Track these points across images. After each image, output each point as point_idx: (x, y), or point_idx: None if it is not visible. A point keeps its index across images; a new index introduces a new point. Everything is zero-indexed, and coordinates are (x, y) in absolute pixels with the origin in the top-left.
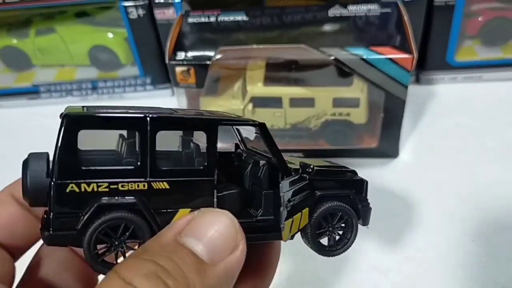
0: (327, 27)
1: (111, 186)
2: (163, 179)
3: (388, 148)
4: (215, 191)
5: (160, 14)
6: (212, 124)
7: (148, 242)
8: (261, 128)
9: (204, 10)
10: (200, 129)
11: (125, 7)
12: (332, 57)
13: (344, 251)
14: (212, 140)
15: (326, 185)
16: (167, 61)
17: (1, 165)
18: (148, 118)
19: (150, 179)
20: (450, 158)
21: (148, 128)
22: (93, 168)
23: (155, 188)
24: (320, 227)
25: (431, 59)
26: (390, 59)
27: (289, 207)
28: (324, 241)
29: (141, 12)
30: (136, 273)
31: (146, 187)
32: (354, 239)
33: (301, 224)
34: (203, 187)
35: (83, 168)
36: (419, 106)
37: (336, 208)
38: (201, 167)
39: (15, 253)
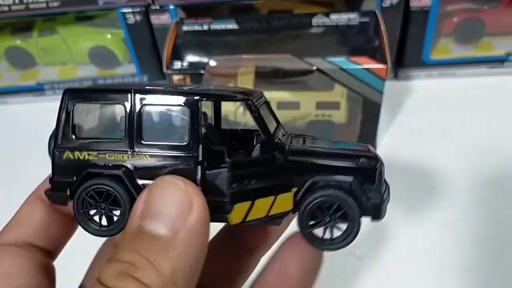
0: (313, 30)
1: (99, 155)
2: (145, 152)
3: (366, 143)
4: (199, 168)
5: (156, 20)
6: (192, 99)
7: (120, 238)
8: (247, 105)
9: (198, 18)
10: (181, 105)
11: (123, 13)
12: (315, 67)
13: (340, 247)
14: (193, 116)
15: (319, 169)
16: (164, 70)
17: (9, 158)
18: (131, 92)
19: (134, 151)
20: (423, 151)
21: (131, 101)
22: (87, 138)
23: (137, 160)
24: (316, 217)
25: (408, 57)
26: (367, 69)
27: (235, 188)
28: (319, 232)
29: (138, 18)
30: (109, 276)
31: (130, 159)
32: (355, 234)
33: (275, 210)
34: (184, 163)
35: (78, 138)
36: (396, 101)
37: (328, 199)
38: (184, 143)
39: (52, 253)
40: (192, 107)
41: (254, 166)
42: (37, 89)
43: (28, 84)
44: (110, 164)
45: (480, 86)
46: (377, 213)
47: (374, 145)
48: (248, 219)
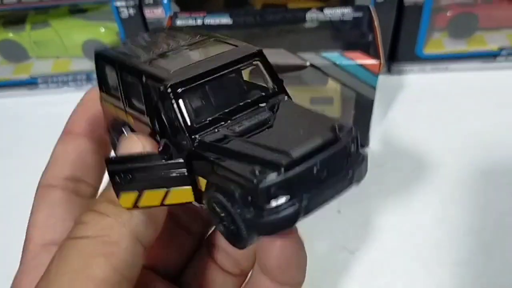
0: (306, 25)
1: None
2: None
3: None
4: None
5: (150, 13)
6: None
7: None
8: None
9: (191, 13)
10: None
11: (117, 7)
12: (308, 63)
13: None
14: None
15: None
16: None
17: (5, 151)
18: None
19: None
20: (416, 146)
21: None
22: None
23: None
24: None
25: (402, 52)
26: (360, 64)
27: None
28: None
29: (132, 11)
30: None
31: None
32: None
33: (170, 201)
34: None
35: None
36: (389, 95)
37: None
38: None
39: (93, 184)
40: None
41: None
42: (30, 83)
43: (21, 78)
44: None
45: (473, 80)
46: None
47: (367, 140)
48: (141, 205)
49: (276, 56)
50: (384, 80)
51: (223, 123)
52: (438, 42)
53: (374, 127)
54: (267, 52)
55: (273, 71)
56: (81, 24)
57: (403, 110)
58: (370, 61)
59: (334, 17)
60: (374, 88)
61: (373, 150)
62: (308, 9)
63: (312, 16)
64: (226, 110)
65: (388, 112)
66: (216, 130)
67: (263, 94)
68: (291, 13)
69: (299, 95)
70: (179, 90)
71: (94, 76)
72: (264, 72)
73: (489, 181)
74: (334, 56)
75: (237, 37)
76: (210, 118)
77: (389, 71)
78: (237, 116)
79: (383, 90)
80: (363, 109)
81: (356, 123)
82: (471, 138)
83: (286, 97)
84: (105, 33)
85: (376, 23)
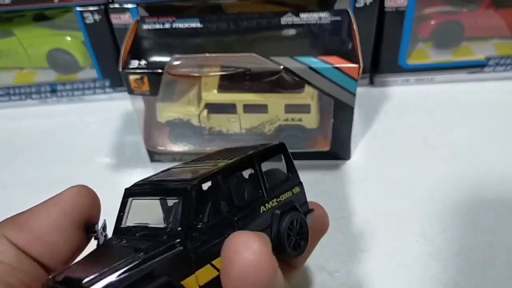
0: (283, 32)
1: None
2: None
3: (340, 150)
4: None
5: (116, 19)
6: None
7: None
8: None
9: (159, 17)
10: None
11: (81, 12)
12: (282, 67)
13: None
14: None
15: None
16: (120, 69)
17: None
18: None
19: None
20: (400, 159)
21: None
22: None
23: None
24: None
25: (384, 63)
26: (337, 68)
27: None
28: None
29: (97, 17)
30: None
31: None
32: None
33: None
34: None
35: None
36: (372, 108)
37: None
38: None
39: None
40: None
41: None
42: None
43: None
44: None
45: (459, 91)
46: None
47: (348, 153)
48: None
49: (248, 60)
50: (367, 92)
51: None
52: (423, 53)
53: (357, 140)
54: (238, 56)
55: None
56: (45, 33)
57: (386, 122)
58: (348, 65)
59: (311, 21)
60: (353, 94)
61: (354, 164)
62: (284, 13)
63: (288, 20)
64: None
65: (371, 125)
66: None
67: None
68: (266, 19)
69: (273, 102)
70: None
71: (59, 87)
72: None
73: (477, 196)
74: (310, 60)
75: (209, 44)
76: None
77: (371, 82)
78: None
79: (366, 102)
80: (342, 117)
81: (335, 132)
82: (457, 151)
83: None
84: (71, 42)
85: (354, 26)
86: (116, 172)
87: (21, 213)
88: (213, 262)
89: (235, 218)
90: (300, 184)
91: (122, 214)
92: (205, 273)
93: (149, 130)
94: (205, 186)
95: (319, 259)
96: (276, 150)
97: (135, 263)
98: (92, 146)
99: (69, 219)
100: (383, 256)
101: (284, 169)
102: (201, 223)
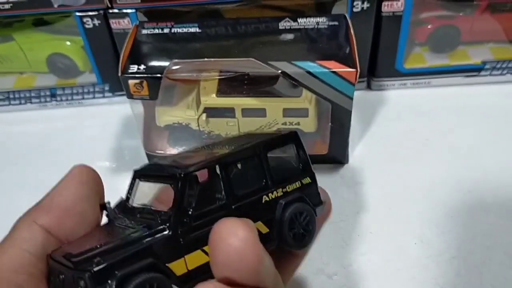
0: (281, 37)
1: None
2: None
3: (337, 154)
4: None
5: (115, 24)
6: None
7: None
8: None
9: (158, 22)
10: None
11: (80, 17)
12: (280, 71)
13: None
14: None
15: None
16: (119, 74)
17: None
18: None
19: None
20: (398, 162)
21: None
22: None
23: None
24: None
25: (381, 67)
26: (335, 72)
27: None
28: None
29: (96, 22)
30: None
31: None
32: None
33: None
34: None
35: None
36: (370, 112)
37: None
38: None
39: None
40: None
41: None
42: None
43: None
44: None
45: (456, 95)
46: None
47: (345, 156)
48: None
49: (247, 65)
50: (364, 96)
51: None
52: (419, 57)
53: (354, 144)
54: (237, 61)
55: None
56: (45, 38)
57: (384, 126)
58: (346, 69)
59: (309, 26)
60: (351, 98)
61: (352, 167)
62: (282, 18)
63: (286, 25)
64: None
65: (368, 128)
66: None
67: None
68: (264, 23)
69: (271, 106)
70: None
71: (59, 92)
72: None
73: (475, 199)
74: (308, 64)
75: (208, 49)
76: None
77: (369, 86)
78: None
79: (363, 106)
80: (340, 121)
81: (333, 136)
82: (455, 154)
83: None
84: (71, 46)
85: (351, 31)
86: (116, 175)
87: (43, 198)
88: (205, 248)
89: (233, 206)
90: (311, 175)
91: (129, 194)
92: (195, 258)
93: (148, 134)
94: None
95: (317, 262)
96: (286, 139)
97: (124, 242)
98: (92, 150)
99: (90, 188)
100: (382, 259)
101: (297, 159)
102: (191, 210)
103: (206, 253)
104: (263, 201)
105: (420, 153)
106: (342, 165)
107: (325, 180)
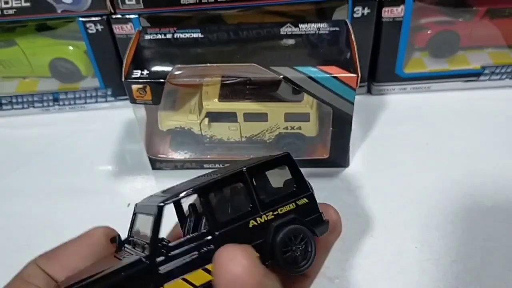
0: (282, 42)
1: None
2: None
3: (338, 158)
4: None
5: (118, 29)
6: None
7: None
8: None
9: (161, 28)
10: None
11: (84, 22)
12: (281, 76)
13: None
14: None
15: None
16: (123, 79)
17: None
18: None
19: None
20: (398, 166)
21: None
22: None
23: None
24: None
25: (381, 71)
26: (336, 77)
27: None
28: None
29: (99, 27)
30: None
31: None
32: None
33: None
34: None
35: None
36: (370, 116)
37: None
38: None
39: None
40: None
41: None
42: None
43: None
44: None
45: (456, 100)
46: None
47: (346, 161)
48: None
49: (248, 70)
50: (364, 100)
51: None
52: (419, 62)
53: (355, 148)
54: (238, 66)
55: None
56: (48, 43)
57: (384, 130)
58: (346, 74)
59: (310, 32)
60: (351, 103)
61: (353, 171)
62: (283, 23)
63: (287, 30)
64: None
65: (368, 133)
66: None
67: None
68: (265, 29)
69: (273, 111)
70: None
71: (61, 96)
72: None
73: (473, 202)
74: (309, 69)
75: (210, 54)
76: None
77: (369, 91)
78: None
79: (363, 110)
80: (341, 125)
81: (334, 140)
82: (454, 158)
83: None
84: (73, 51)
85: (352, 36)
86: (118, 179)
87: (52, 249)
88: (186, 276)
89: (216, 233)
90: (309, 195)
91: (131, 227)
92: (176, 287)
93: (151, 138)
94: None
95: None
96: (278, 162)
97: (107, 273)
98: (94, 154)
99: (95, 255)
100: (382, 262)
101: (292, 180)
102: (166, 240)
103: (188, 282)
104: (251, 226)
105: (420, 157)
106: (343, 169)
107: (326, 184)
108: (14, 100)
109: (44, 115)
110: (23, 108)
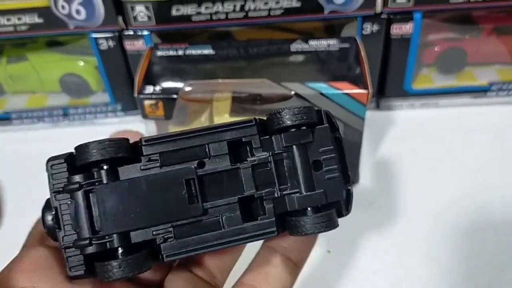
0: (291, 58)
1: None
2: None
3: None
4: None
5: (130, 46)
6: None
7: None
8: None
9: (172, 44)
10: None
11: (95, 38)
12: (293, 92)
13: None
14: None
15: None
16: (135, 95)
17: None
18: None
19: None
20: (407, 181)
21: None
22: None
23: None
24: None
25: (390, 87)
26: (347, 94)
27: None
28: None
29: (111, 43)
30: None
31: None
32: None
33: None
34: None
35: None
36: (378, 131)
37: None
38: None
39: None
40: None
41: None
42: (3, 118)
43: None
44: None
45: (464, 115)
46: None
47: (356, 176)
48: None
49: (260, 86)
50: (373, 116)
51: None
52: (427, 77)
53: (364, 163)
54: (250, 82)
55: None
56: (58, 58)
57: (393, 146)
58: (357, 91)
59: (320, 48)
60: (362, 119)
61: (363, 187)
62: (293, 40)
63: (297, 47)
64: None
65: (377, 148)
66: None
67: None
68: (275, 45)
69: None
70: None
71: (71, 111)
72: None
73: (484, 219)
74: (320, 86)
75: (221, 70)
76: None
77: (378, 106)
78: None
79: (372, 126)
80: (352, 141)
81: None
82: (463, 173)
83: None
84: (84, 67)
85: (363, 53)
86: None
87: None
88: None
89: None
90: None
91: None
92: None
93: None
94: None
95: (330, 282)
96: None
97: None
98: None
99: None
100: (393, 278)
101: None
102: None
103: None
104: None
105: (429, 173)
106: (353, 184)
107: None
108: (24, 115)
109: (54, 129)
110: (33, 122)
